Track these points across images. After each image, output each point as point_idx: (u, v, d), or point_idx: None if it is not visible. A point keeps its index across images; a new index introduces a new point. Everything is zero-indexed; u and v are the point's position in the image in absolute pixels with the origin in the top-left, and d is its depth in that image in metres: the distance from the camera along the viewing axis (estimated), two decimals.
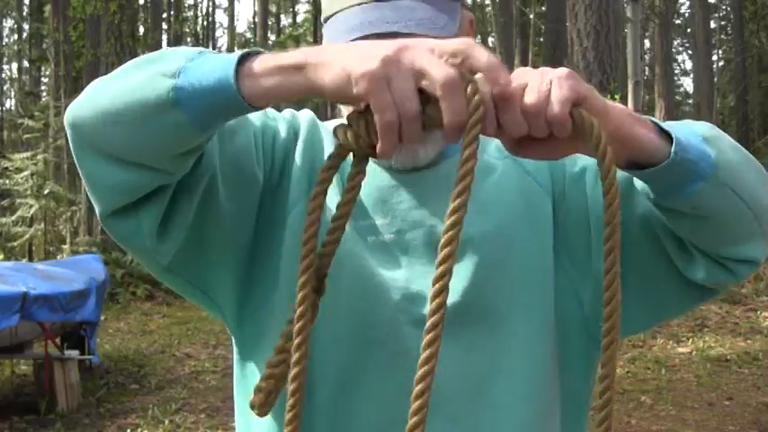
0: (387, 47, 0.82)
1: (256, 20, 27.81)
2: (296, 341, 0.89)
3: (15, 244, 12.76)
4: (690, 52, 29.55)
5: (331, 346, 1.07)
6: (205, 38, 32.12)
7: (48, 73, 21.88)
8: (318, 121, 1.19)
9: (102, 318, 7.69)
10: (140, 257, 1.07)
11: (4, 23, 31.53)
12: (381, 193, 1.11)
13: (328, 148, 1.13)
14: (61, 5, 15.70)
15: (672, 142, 0.91)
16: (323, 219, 0.91)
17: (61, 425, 5.53)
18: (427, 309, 1.06)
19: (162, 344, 8.31)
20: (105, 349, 7.73)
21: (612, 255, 0.83)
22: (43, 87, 27.65)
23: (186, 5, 29.60)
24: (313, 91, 0.86)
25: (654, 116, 1.22)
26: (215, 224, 1.05)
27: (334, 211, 0.94)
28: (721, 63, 28.63)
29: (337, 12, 1.06)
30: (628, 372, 6.83)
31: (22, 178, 12.64)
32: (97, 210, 1.03)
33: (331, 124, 1.16)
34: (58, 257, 11.14)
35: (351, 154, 0.90)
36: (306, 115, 1.19)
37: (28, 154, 13.08)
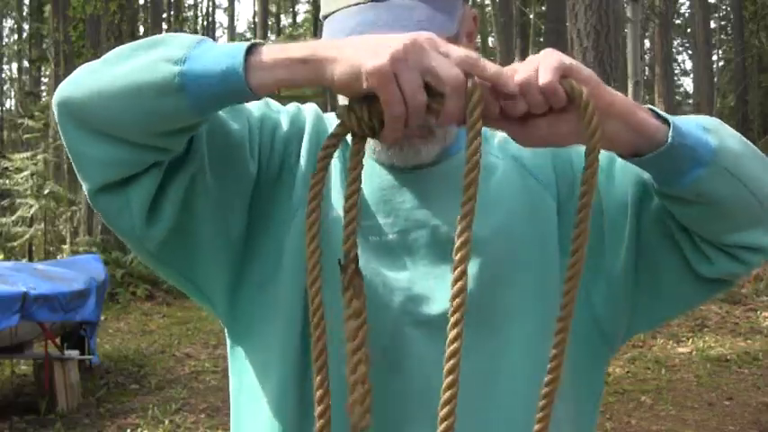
0: (395, 42, 0.85)
1: (256, 20, 27.80)
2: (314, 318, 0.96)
3: (15, 244, 12.76)
4: (690, 52, 29.57)
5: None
6: None
7: (48, 73, 21.85)
8: (322, 113, 1.20)
9: (102, 318, 7.69)
10: (128, 240, 1.07)
11: (4, 23, 31.57)
12: (384, 192, 1.11)
13: None
14: (61, 5, 15.69)
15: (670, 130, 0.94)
16: (323, 211, 0.93)
17: (61, 425, 5.53)
18: (429, 309, 1.06)
19: (162, 344, 8.31)
20: (105, 349, 7.72)
21: (586, 197, 0.91)
22: (43, 87, 27.62)
23: (186, 5, 29.57)
24: (321, 84, 0.89)
25: None
26: (202, 212, 1.05)
27: (334, 198, 0.97)
28: (721, 63, 28.60)
29: (335, 11, 1.06)
30: (628, 372, 6.83)
31: (22, 178, 12.64)
32: (85, 187, 1.03)
33: (334, 116, 1.17)
34: (58, 257, 11.13)
35: (350, 134, 0.94)
36: (310, 109, 1.19)
37: (28, 154, 13.08)
